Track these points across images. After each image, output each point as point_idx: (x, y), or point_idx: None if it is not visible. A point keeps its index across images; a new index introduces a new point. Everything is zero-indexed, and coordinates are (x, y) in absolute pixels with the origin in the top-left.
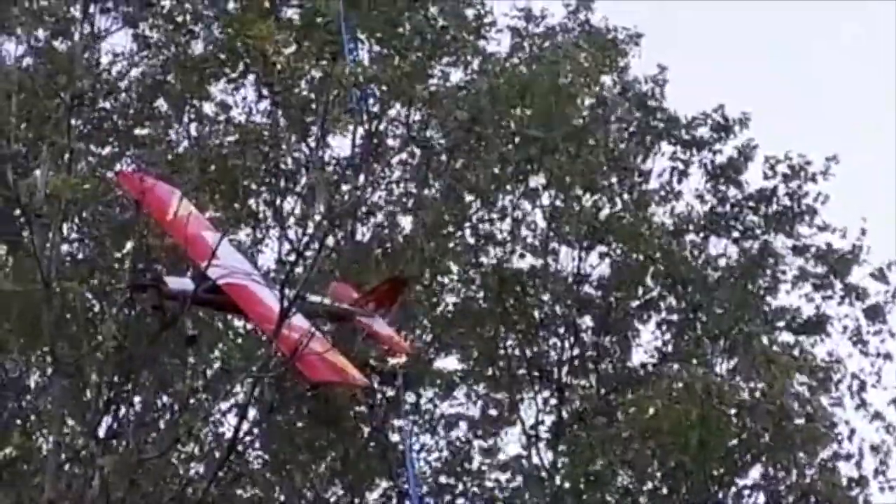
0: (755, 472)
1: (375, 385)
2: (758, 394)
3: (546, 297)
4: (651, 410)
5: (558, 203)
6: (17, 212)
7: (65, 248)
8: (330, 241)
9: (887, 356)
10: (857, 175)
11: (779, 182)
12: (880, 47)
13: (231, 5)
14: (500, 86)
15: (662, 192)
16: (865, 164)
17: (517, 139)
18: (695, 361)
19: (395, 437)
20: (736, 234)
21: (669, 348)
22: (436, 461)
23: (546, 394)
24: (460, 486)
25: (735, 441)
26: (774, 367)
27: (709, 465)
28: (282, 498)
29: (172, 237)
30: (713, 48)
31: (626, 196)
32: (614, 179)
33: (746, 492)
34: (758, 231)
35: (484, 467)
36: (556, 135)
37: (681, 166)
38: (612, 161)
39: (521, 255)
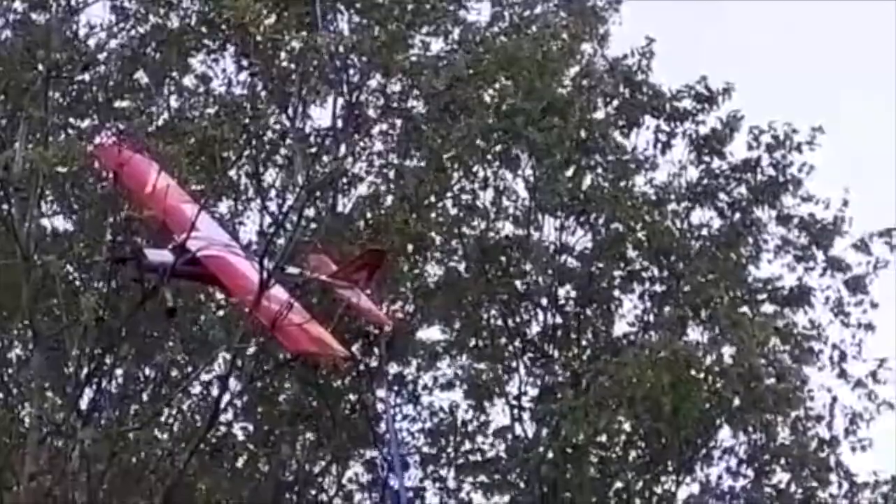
0: (726, 434)
1: (358, 355)
2: (727, 359)
3: (528, 268)
4: (626, 379)
5: (539, 174)
6: None
7: (44, 221)
8: (311, 212)
9: (868, 326)
10: (845, 144)
11: (763, 152)
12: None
13: None
14: (482, 56)
15: (645, 163)
16: (854, 133)
17: (500, 109)
18: (669, 331)
19: (379, 407)
20: (721, 206)
21: (651, 318)
22: (419, 431)
23: (528, 364)
24: (444, 457)
25: (707, 405)
26: (742, 331)
27: (683, 430)
28: (266, 469)
29: (151, 209)
30: (698, 15)
31: (607, 167)
32: (597, 154)
33: (717, 453)
34: (743, 202)
35: (468, 439)
36: (537, 105)
37: (664, 138)
38: (594, 133)
39: (503, 226)
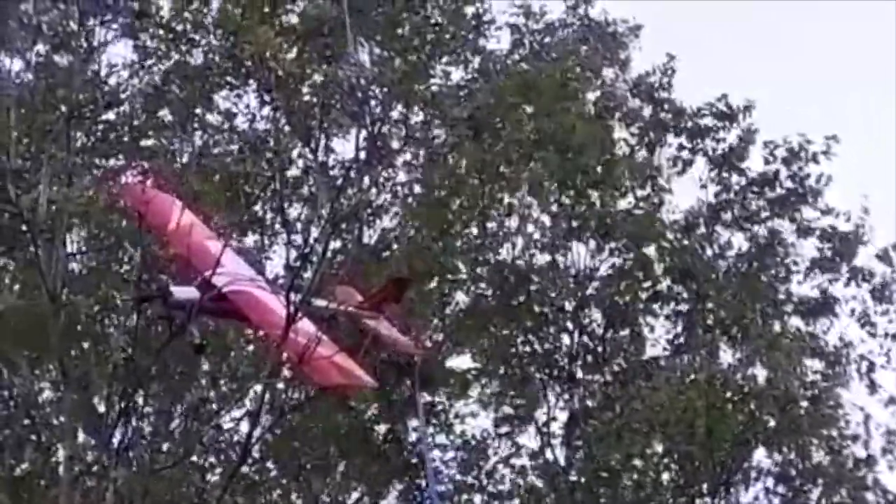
0: (761, 455)
1: (390, 385)
2: (762, 381)
3: (553, 294)
4: (660, 403)
5: (566, 200)
6: (22, 227)
7: (71, 261)
8: (336, 244)
9: (895, 336)
10: (862, 153)
11: (779, 166)
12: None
13: (231, 10)
14: (504, 84)
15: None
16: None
17: (524, 136)
18: (703, 352)
19: (413, 437)
20: (740, 218)
21: (682, 340)
22: (452, 460)
23: (558, 390)
24: (476, 484)
25: (742, 428)
26: (778, 353)
27: (717, 453)
28: (300, 503)
29: (176, 247)
30: (714, 37)
31: (637, 192)
32: (625, 175)
33: (753, 474)
34: (763, 215)
35: (500, 465)
36: (558, 132)
37: (686, 155)
38: (615, 159)
39: (531, 253)
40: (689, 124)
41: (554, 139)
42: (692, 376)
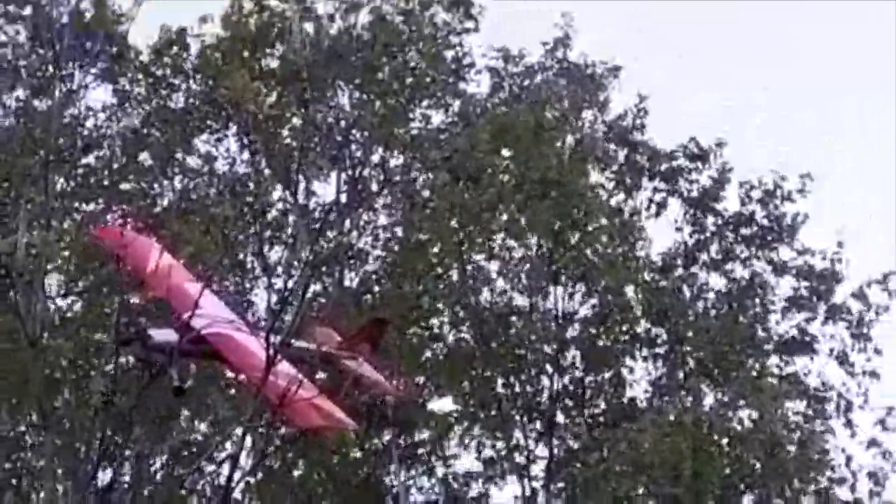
0: (748, 502)
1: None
2: (748, 423)
3: (533, 337)
4: (646, 445)
5: (544, 244)
6: (0, 271)
7: (50, 305)
8: (317, 287)
9: (873, 374)
10: (836, 192)
11: (756, 206)
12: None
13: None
14: (481, 129)
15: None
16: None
17: (502, 180)
18: (684, 394)
19: (390, 480)
20: (717, 259)
21: (663, 381)
22: (433, 503)
23: (539, 431)
24: None
25: (728, 471)
26: (763, 395)
27: (703, 496)
28: None
29: (154, 289)
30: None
31: (612, 235)
32: (602, 221)
33: None
34: (739, 254)
35: None
36: (535, 177)
37: (661, 198)
38: (591, 203)
39: (510, 297)
40: (664, 167)
41: (531, 184)
42: (678, 419)
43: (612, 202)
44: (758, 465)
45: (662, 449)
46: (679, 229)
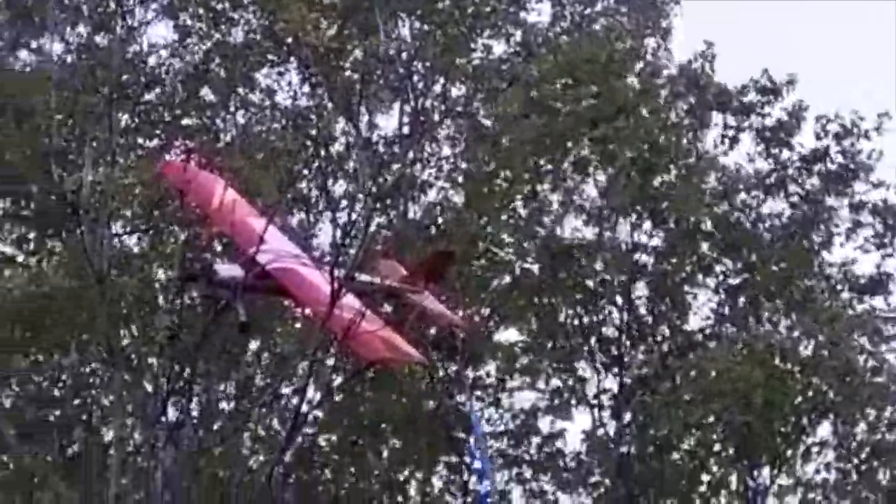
0: (823, 430)
1: (436, 360)
2: (824, 351)
3: (600, 267)
4: (713, 373)
5: (610, 172)
6: (67, 209)
7: (116, 242)
8: (381, 220)
9: None
10: None
11: (831, 142)
12: None
13: None
14: (543, 59)
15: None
16: None
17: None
18: (754, 322)
19: (457, 411)
20: (794, 199)
21: (726, 310)
22: (501, 434)
23: (606, 362)
24: (527, 459)
25: (800, 399)
26: (837, 324)
27: (776, 423)
28: (352, 479)
29: (219, 225)
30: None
31: (679, 164)
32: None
33: (815, 449)
34: (815, 192)
35: (550, 440)
36: (607, 107)
37: (731, 133)
38: (668, 134)
39: (573, 227)
40: (734, 102)
41: (600, 114)
42: (748, 346)
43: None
44: (830, 393)
45: (733, 377)
46: (752, 160)
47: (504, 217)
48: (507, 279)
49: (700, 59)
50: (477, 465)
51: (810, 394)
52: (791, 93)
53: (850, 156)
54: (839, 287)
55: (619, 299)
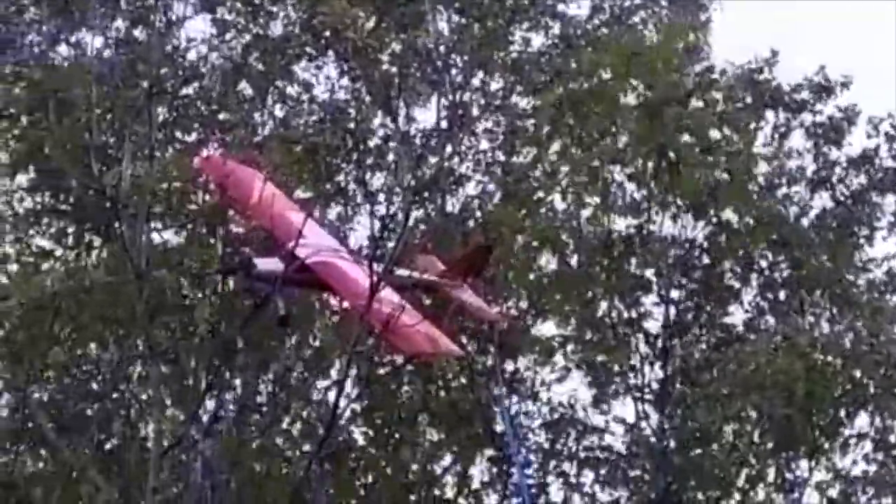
0: (861, 421)
1: (474, 353)
2: (864, 345)
3: (640, 261)
4: (753, 365)
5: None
6: (106, 203)
7: (154, 236)
8: (419, 213)
9: None
10: None
11: (882, 141)
12: None
13: None
14: (582, 51)
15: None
16: None
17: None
18: (795, 315)
19: (496, 405)
20: (841, 197)
21: (765, 304)
22: (539, 427)
23: (651, 354)
24: (565, 452)
25: (841, 391)
26: (881, 317)
27: (816, 416)
28: (388, 472)
29: (258, 219)
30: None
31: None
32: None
33: (853, 440)
34: (861, 192)
35: (589, 433)
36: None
37: (782, 129)
38: (721, 129)
39: (616, 220)
40: (787, 99)
41: (654, 111)
42: (790, 339)
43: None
44: (871, 386)
45: (773, 369)
46: (800, 154)
47: (542, 210)
48: (546, 273)
49: (760, 61)
50: (517, 458)
51: (850, 386)
52: (845, 92)
53: None
54: (881, 282)
55: (660, 292)
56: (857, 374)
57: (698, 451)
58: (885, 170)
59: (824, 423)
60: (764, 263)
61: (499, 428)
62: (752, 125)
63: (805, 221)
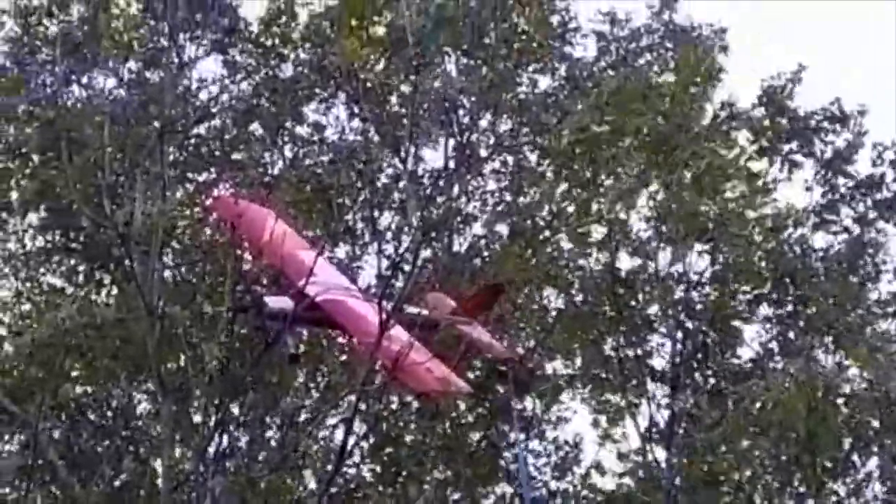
0: (871, 464)
1: (483, 391)
2: (864, 385)
3: (645, 298)
4: (757, 405)
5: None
6: (118, 241)
7: (166, 273)
8: (427, 253)
9: None
10: None
11: (887, 168)
12: None
13: (320, 23)
14: (589, 92)
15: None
16: None
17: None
18: (805, 354)
19: (507, 442)
20: (847, 223)
21: (773, 344)
22: (545, 466)
23: (658, 393)
24: (571, 489)
25: (842, 430)
26: (881, 357)
27: (821, 456)
28: None
29: (269, 258)
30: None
31: (737, 195)
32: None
33: (863, 482)
34: (870, 216)
35: (593, 470)
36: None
37: (797, 158)
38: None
39: (620, 258)
40: (802, 126)
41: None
42: (794, 378)
43: (751, 165)
44: (874, 422)
45: (779, 409)
46: (809, 189)
47: (548, 250)
48: (552, 312)
49: (784, 78)
50: (528, 494)
51: (852, 426)
52: (859, 122)
53: None
54: (883, 320)
55: (667, 331)
56: (859, 415)
57: (706, 491)
58: (894, 193)
59: (830, 464)
60: (769, 301)
61: (512, 466)
62: (765, 167)
63: (811, 259)
